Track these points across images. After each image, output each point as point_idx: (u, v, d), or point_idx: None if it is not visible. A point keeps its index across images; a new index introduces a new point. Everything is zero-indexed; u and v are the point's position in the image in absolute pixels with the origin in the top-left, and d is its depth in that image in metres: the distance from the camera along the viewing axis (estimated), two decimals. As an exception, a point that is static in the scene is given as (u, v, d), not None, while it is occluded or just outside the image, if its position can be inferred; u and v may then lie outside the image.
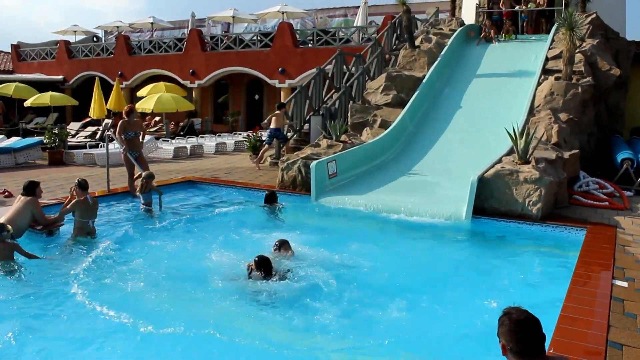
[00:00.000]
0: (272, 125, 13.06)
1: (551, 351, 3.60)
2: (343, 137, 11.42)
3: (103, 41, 33.59)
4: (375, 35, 19.68)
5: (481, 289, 5.64)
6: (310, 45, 24.04)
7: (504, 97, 12.24)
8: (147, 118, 23.72)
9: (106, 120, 19.49)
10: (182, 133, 22.19)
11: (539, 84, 11.61)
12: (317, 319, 4.72)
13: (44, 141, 15.17)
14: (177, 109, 21.72)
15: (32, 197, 6.87)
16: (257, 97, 28.18)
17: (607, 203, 8.83)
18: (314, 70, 15.21)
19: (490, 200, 8.14)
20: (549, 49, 13.06)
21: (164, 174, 11.94)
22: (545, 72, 12.14)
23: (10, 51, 34.24)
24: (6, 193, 9.51)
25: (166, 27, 33.26)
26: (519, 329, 2.50)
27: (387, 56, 16.26)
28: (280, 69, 23.73)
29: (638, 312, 4.51)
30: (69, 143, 16.44)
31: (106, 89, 21.21)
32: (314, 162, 9.33)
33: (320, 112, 14.03)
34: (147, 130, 15.89)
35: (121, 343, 4.24)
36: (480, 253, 7.03)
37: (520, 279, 5.93)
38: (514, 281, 5.86)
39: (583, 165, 10.10)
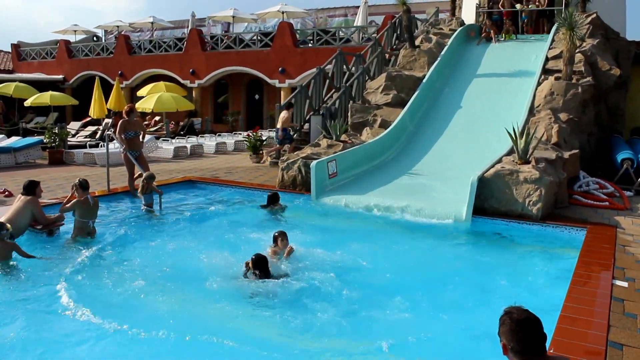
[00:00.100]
0: (279, 125, 13.14)
1: (551, 351, 3.60)
2: (343, 137, 11.42)
3: (103, 41, 33.59)
4: (375, 35, 19.68)
5: (481, 289, 5.64)
6: (310, 45, 24.04)
7: (504, 97, 12.24)
8: (147, 118, 23.72)
9: (106, 120, 19.50)
10: (182, 133, 22.20)
11: (539, 83, 11.61)
12: (316, 319, 4.71)
13: (44, 141, 15.17)
14: (177, 109, 21.72)
15: (32, 196, 6.87)
16: (257, 96, 28.18)
17: (607, 203, 8.83)
18: (314, 70, 15.21)
19: (490, 200, 8.14)
20: (549, 48, 13.06)
21: (164, 173, 11.94)
22: (546, 72, 12.14)
23: (10, 51, 34.24)
24: (6, 192, 9.51)
25: (166, 26, 33.27)
26: (520, 328, 2.50)
27: (387, 56, 16.25)
28: (280, 69, 23.74)
29: (638, 312, 4.51)
30: (69, 142, 16.44)
31: (106, 89, 21.24)
32: (314, 162, 9.33)
33: (321, 112, 14.03)
34: (147, 130, 15.88)
35: (116, 343, 4.22)
36: (480, 253, 7.03)
37: (520, 279, 5.93)
38: (514, 281, 5.86)
39: (583, 165, 10.10)
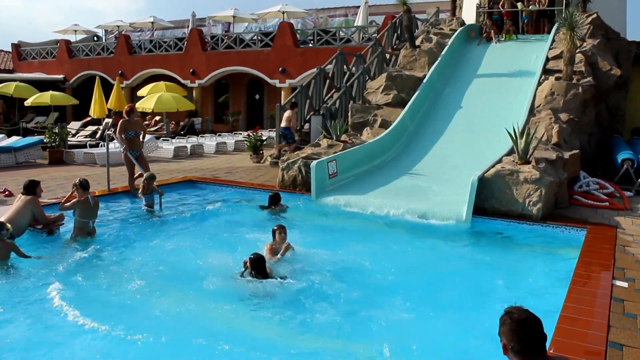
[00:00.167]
0: (282, 124, 13.17)
1: (551, 351, 3.60)
2: (343, 137, 11.42)
3: (103, 41, 33.59)
4: (375, 35, 19.68)
5: (481, 289, 5.64)
6: (310, 45, 24.04)
7: (505, 97, 12.24)
8: (147, 117, 23.73)
9: (106, 120, 19.51)
10: (182, 132, 22.20)
11: (539, 84, 11.61)
12: (315, 320, 4.70)
13: (45, 140, 15.17)
14: (177, 109, 21.73)
15: (32, 196, 6.87)
16: (257, 96, 28.19)
17: (607, 203, 8.83)
18: (315, 70, 15.22)
19: (490, 200, 8.14)
20: (550, 49, 13.06)
21: (164, 173, 11.95)
22: (546, 72, 12.14)
23: (10, 50, 34.26)
24: (6, 192, 9.51)
25: (167, 26, 33.28)
26: (520, 328, 2.51)
27: (388, 56, 16.25)
28: (280, 69, 23.74)
29: (638, 313, 4.51)
30: (69, 142, 16.43)
31: (106, 89, 21.25)
32: (314, 162, 9.33)
33: (321, 112, 14.04)
34: (148, 130, 15.89)
35: (113, 344, 4.20)
36: (480, 253, 7.03)
37: (520, 279, 5.93)
38: (514, 281, 5.86)
39: (583, 166, 10.10)
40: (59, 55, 31.40)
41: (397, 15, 17.57)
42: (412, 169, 10.29)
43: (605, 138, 12.40)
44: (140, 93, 24.81)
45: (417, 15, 19.64)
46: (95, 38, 35.12)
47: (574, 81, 11.15)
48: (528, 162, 8.40)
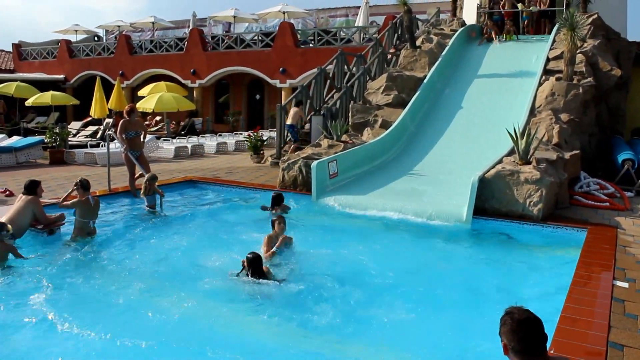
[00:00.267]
0: (288, 122, 13.29)
1: (552, 352, 3.60)
2: (344, 137, 11.42)
3: (104, 41, 33.61)
4: (376, 35, 19.68)
5: (482, 290, 5.64)
6: (311, 45, 24.04)
7: (505, 98, 12.24)
8: (148, 117, 23.73)
9: (107, 120, 19.52)
10: (183, 133, 22.21)
11: (540, 84, 11.62)
12: (314, 321, 4.69)
13: (45, 140, 15.17)
14: (178, 109, 21.74)
15: (33, 196, 6.87)
16: (258, 97, 28.19)
17: (607, 204, 8.83)
18: (315, 70, 15.22)
19: (491, 201, 8.14)
20: (550, 49, 13.06)
21: (165, 173, 11.95)
22: (546, 72, 12.14)
23: (11, 50, 34.29)
24: (7, 192, 9.52)
25: (167, 26, 33.28)
26: (521, 328, 2.51)
27: (389, 56, 16.24)
28: (281, 69, 23.74)
29: (639, 313, 4.51)
30: (69, 142, 16.44)
31: (107, 89, 21.24)
32: (314, 162, 9.34)
33: (321, 112, 14.04)
34: (148, 130, 15.89)
35: (109, 344, 4.19)
36: (480, 253, 7.03)
37: (520, 280, 5.93)
38: (515, 281, 5.87)
39: (584, 166, 10.10)
40: (60, 56, 31.41)
41: (398, 16, 17.55)
42: (413, 169, 10.29)
43: (605, 138, 12.40)
44: (140, 93, 24.83)
45: (417, 16, 19.62)
46: (95, 38, 35.13)
47: (575, 81, 11.15)
48: (529, 163, 8.40)
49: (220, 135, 20.51)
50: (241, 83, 28.16)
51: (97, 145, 16.70)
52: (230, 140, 19.09)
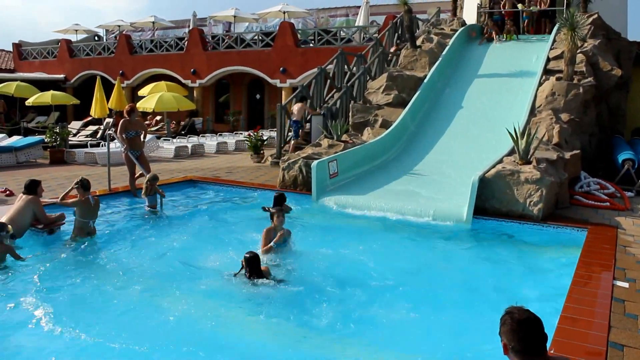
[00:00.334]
0: (293, 118, 13.43)
1: (552, 351, 3.60)
2: (344, 137, 11.42)
3: (104, 40, 33.61)
4: (376, 35, 19.67)
5: (482, 289, 5.64)
6: (311, 44, 24.04)
7: (505, 97, 12.24)
8: (148, 117, 23.74)
9: (107, 119, 19.53)
10: (183, 132, 22.21)
11: (540, 84, 11.61)
12: (313, 322, 4.68)
13: (45, 140, 15.17)
14: (178, 109, 21.74)
15: (33, 195, 6.88)
16: (258, 96, 28.19)
17: (608, 204, 8.83)
18: (315, 69, 15.22)
19: (491, 201, 8.14)
20: (551, 49, 13.06)
21: (165, 173, 11.94)
22: (547, 72, 12.14)
23: (11, 50, 34.29)
24: (7, 192, 9.52)
25: (167, 26, 33.29)
26: (521, 328, 2.50)
27: (390, 55, 16.23)
28: (281, 69, 23.74)
29: (639, 313, 4.51)
30: (70, 142, 16.44)
31: (107, 88, 21.25)
32: (315, 162, 9.33)
33: (322, 112, 14.04)
34: (148, 130, 15.89)
35: (105, 345, 4.19)
36: (480, 253, 7.02)
37: (521, 280, 5.93)
38: (515, 281, 5.87)
39: (584, 166, 10.10)
40: (60, 55, 31.42)
41: (398, 16, 17.55)
42: (413, 169, 10.28)
43: (606, 138, 12.40)
44: (141, 93, 24.83)
45: (418, 16, 19.63)
46: (96, 38, 35.14)
47: (575, 81, 11.15)
48: (529, 163, 8.40)
49: (221, 135, 20.51)
50: (241, 83, 28.16)
51: (98, 145, 16.70)
52: (230, 140, 19.09)
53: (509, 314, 2.58)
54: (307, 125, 14.42)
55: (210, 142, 18.26)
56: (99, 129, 19.91)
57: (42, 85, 26.93)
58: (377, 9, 27.10)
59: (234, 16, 28.06)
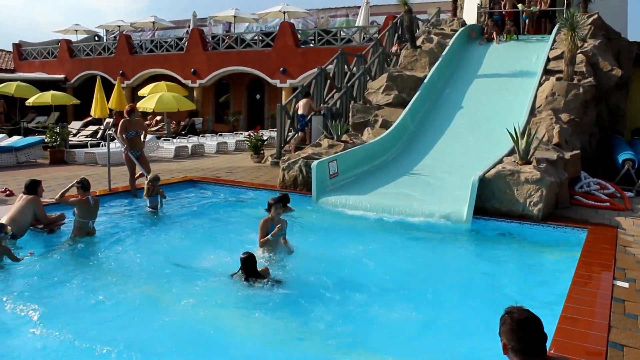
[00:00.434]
0: (299, 112, 13.59)
1: (552, 351, 3.60)
2: (344, 137, 11.42)
3: (104, 40, 33.62)
4: (376, 35, 19.67)
5: (482, 290, 5.64)
6: (311, 45, 24.05)
7: (505, 97, 12.24)
8: (148, 117, 23.74)
9: (107, 120, 19.53)
10: (183, 132, 22.22)
11: (540, 84, 11.61)
12: (312, 323, 4.66)
13: (45, 140, 15.18)
14: (178, 109, 21.74)
15: (34, 195, 6.88)
16: (258, 96, 28.20)
17: (608, 204, 8.83)
18: (315, 70, 15.22)
19: (491, 201, 8.14)
20: (551, 49, 13.06)
21: (165, 173, 11.94)
22: (547, 72, 12.14)
23: (12, 50, 34.30)
24: (7, 192, 9.52)
25: (167, 26, 33.29)
26: (520, 328, 2.50)
27: (392, 50, 16.21)
28: (281, 69, 23.74)
29: (639, 313, 4.51)
30: (70, 142, 16.45)
31: (107, 88, 21.26)
32: (315, 162, 9.33)
33: (322, 112, 14.04)
34: (149, 130, 15.89)
35: (101, 345, 4.17)
36: (481, 253, 7.03)
37: (521, 279, 5.94)
38: (515, 281, 5.87)
39: (584, 166, 10.10)
40: (60, 55, 31.43)
41: (398, 16, 17.55)
42: (413, 169, 10.28)
43: (606, 138, 12.40)
44: (141, 93, 24.84)
45: (418, 16, 19.63)
46: (96, 38, 35.15)
47: (575, 81, 11.15)
48: (529, 163, 8.40)
49: (221, 135, 20.52)
50: (241, 83, 28.17)
51: (98, 145, 16.71)
52: (230, 140, 19.09)
53: (508, 313, 2.58)
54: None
55: (210, 142, 18.26)
56: (99, 129, 19.92)
57: (42, 86, 26.94)
58: (377, 9, 27.10)
59: (234, 16, 28.07)
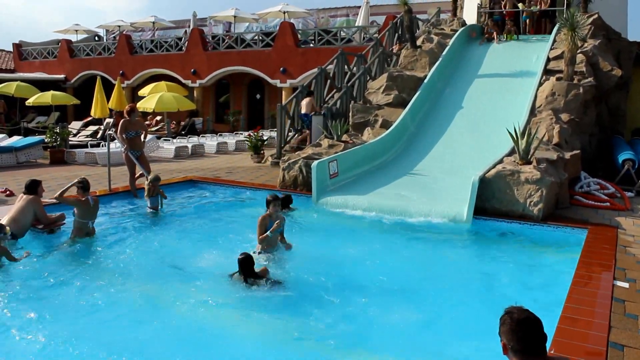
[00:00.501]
0: (303, 111, 13.68)
1: (552, 352, 3.60)
2: (344, 137, 11.42)
3: (104, 40, 33.63)
4: (376, 35, 19.66)
5: (482, 290, 5.65)
6: (311, 45, 24.04)
7: (506, 97, 12.24)
8: (148, 117, 23.73)
9: (107, 120, 19.53)
10: (183, 132, 22.21)
11: (540, 84, 11.61)
12: (312, 322, 4.66)
13: (46, 140, 15.18)
14: (178, 109, 21.74)
15: (34, 195, 6.88)
16: (258, 96, 28.19)
17: (608, 204, 8.82)
18: (316, 70, 15.22)
19: (491, 201, 8.14)
20: (551, 49, 13.05)
21: (165, 173, 11.94)
22: (547, 72, 12.14)
23: (12, 50, 34.30)
24: (7, 192, 9.52)
25: (167, 26, 33.29)
26: (520, 328, 2.50)
27: (394, 50, 16.21)
28: (281, 69, 23.74)
29: (639, 313, 4.51)
30: (70, 142, 16.45)
31: (108, 88, 21.27)
32: (315, 162, 9.33)
33: (322, 112, 14.05)
34: (149, 130, 15.89)
35: (97, 345, 4.18)
36: (481, 254, 7.03)
37: (521, 280, 5.93)
38: (515, 282, 5.87)
39: (584, 166, 10.10)
40: (60, 55, 31.43)
41: (398, 16, 17.54)
42: (413, 169, 10.28)
43: (606, 138, 12.39)
44: (141, 93, 24.83)
45: (418, 16, 19.61)
46: (96, 38, 35.15)
47: (575, 81, 11.15)
48: (529, 163, 8.40)
49: (221, 135, 20.51)
50: (241, 83, 28.16)
51: (98, 145, 16.71)
52: (230, 140, 19.09)
53: (508, 313, 2.58)
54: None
55: (210, 142, 18.26)
56: (99, 129, 19.91)
57: (42, 86, 26.94)
58: (377, 9, 27.09)
59: (234, 16, 28.07)
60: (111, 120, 19.27)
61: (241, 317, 4.80)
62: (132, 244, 6.89)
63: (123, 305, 5.01)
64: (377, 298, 5.25)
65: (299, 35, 24.67)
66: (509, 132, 8.82)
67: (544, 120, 10.27)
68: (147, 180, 8.49)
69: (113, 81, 25.06)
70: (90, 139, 18.91)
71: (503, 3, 16.15)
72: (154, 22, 31.53)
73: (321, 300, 5.10)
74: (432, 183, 9.46)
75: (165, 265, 6.09)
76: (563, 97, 10.83)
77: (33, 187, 6.92)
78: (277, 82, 24.14)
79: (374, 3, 26.10)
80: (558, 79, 11.29)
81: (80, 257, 6.22)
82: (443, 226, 7.76)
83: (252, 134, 15.18)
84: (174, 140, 18.25)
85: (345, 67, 15.53)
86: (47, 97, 23.00)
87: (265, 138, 15.40)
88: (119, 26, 33.21)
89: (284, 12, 26.94)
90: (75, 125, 22.07)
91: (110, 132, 10.34)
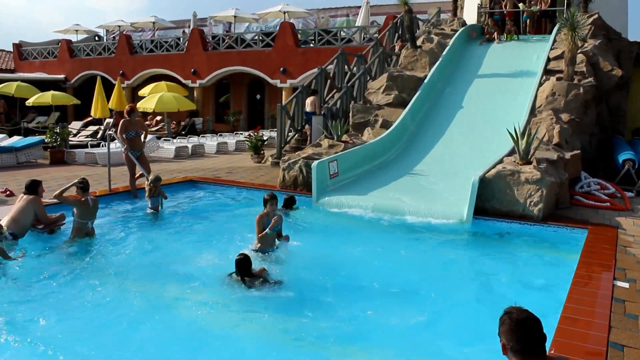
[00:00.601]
0: (307, 109, 13.84)
1: (552, 352, 3.60)
2: (344, 137, 11.42)
3: (105, 40, 33.63)
4: (376, 35, 19.66)
5: (482, 290, 5.65)
6: (311, 45, 24.04)
7: (506, 98, 12.23)
8: (148, 117, 23.74)
9: (107, 120, 19.53)
10: (183, 132, 22.20)
11: (540, 84, 11.61)
12: (312, 323, 4.65)
13: (46, 140, 15.18)
14: (178, 109, 21.74)
15: (34, 195, 6.88)
16: (258, 96, 28.19)
17: (608, 204, 8.82)
18: (316, 70, 15.22)
19: (491, 201, 8.13)
20: (551, 49, 13.05)
21: (166, 173, 11.93)
22: (547, 72, 12.13)
23: (12, 50, 34.31)
24: (7, 192, 9.52)
25: (168, 26, 33.30)
26: (520, 328, 2.50)
27: (396, 49, 16.21)
28: (281, 69, 23.74)
29: (639, 313, 4.50)
30: (70, 142, 16.44)
31: (108, 88, 21.26)
32: (315, 162, 9.33)
33: (322, 112, 14.04)
34: (149, 130, 15.89)
35: (95, 346, 4.17)
36: (481, 254, 7.02)
37: (521, 280, 5.93)
38: (515, 282, 5.86)
39: (584, 166, 10.09)
40: (60, 55, 31.43)
41: (399, 16, 17.54)
42: (413, 169, 10.28)
43: (606, 138, 12.39)
44: (141, 93, 24.84)
45: (418, 16, 19.61)
46: (96, 38, 35.16)
47: (575, 81, 11.14)
48: (529, 163, 8.39)
49: (221, 135, 20.51)
50: (242, 83, 28.17)
51: (98, 145, 16.71)
52: (230, 140, 19.09)
53: (507, 313, 2.58)
54: (307, 125, 14.45)
55: (210, 142, 18.26)
56: (99, 129, 19.91)
57: (42, 86, 26.95)
58: (377, 9, 27.09)
59: (234, 16, 28.07)
60: (111, 120, 19.26)
61: (240, 317, 4.79)
62: (131, 244, 6.89)
63: (123, 305, 5.01)
64: (377, 298, 5.25)
65: (299, 35, 24.68)
66: (509, 132, 8.82)
67: (544, 120, 10.27)
68: (147, 180, 8.49)
69: (113, 81, 25.07)
70: (90, 139, 18.90)
71: (503, 3, 16.15)
72: (154, 22, 31.54)
73: (321, 300, 5.10)
74: (432, 183, 9.46)
75: (165, 266, 6.09)
76: (563, 97, 10.83)
77: (33, 187, 6.92)
78: (277, 82, 24.14)
79: (374, 3, 26.14)
80: (558, 79, 11.29)
81: (79, 257, 6.21)
82: (443, 226, 7.75)
83: (252, 134, 15.18)
84: (174, 141, 18.25)
85: (346, 67, 15.53)
86: (47, 97, 23.01)
87: (265, 138, 15.41)
88: (119, 26, 33.22)
89: (284, 12, 26.94)
90: (75, 125, 22.07)
91: (110, 132, 10.34)
